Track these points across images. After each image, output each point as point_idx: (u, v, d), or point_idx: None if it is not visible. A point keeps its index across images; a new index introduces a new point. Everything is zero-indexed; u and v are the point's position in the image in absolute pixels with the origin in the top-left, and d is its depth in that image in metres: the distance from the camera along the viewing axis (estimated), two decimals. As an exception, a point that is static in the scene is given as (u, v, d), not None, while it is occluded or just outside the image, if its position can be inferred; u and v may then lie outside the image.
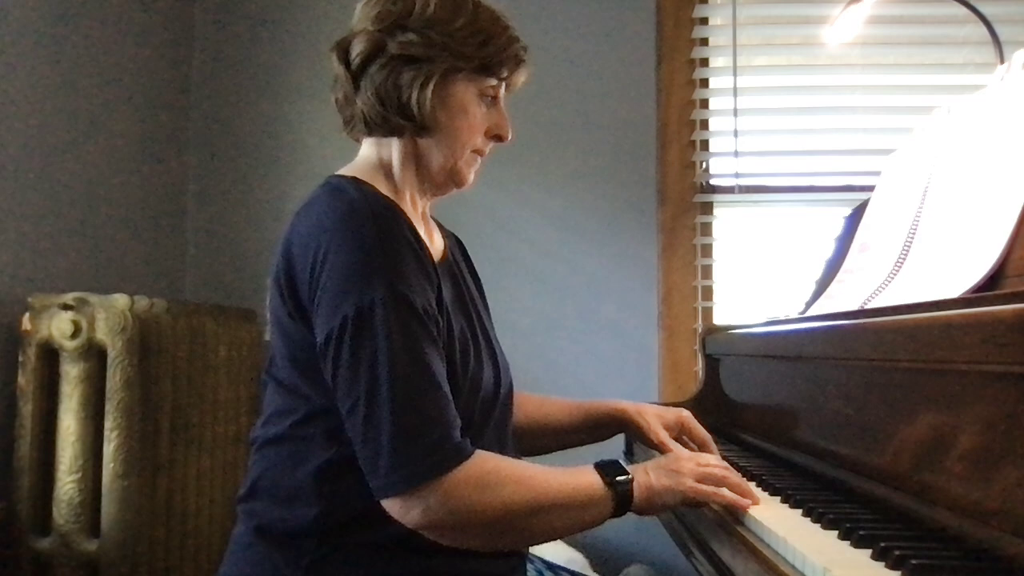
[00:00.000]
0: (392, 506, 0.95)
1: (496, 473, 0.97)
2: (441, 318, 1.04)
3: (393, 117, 1.09)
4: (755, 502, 0.99)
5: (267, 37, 2.58)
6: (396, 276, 0.98)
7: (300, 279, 1.01)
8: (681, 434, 1.33)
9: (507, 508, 0.96)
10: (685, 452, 1.12)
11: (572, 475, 1.02)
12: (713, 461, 1.06)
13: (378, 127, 1.12)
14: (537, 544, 1.02)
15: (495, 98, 1.15)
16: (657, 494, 1.01)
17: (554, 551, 1.92)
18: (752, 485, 1.11)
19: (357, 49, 1.10)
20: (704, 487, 1.01)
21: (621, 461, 1.05)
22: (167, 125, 2.49)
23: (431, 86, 1.08)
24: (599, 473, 1.01)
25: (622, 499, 1.00)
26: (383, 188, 1.10)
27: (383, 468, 0.94)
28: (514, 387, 1.22)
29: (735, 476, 1.03)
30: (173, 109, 2.52)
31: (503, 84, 1.15)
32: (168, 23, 2.50)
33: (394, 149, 1.14)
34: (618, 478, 1.01)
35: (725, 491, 1.00)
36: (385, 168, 1.14)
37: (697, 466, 1.04)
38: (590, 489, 1.00)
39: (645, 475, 1.02)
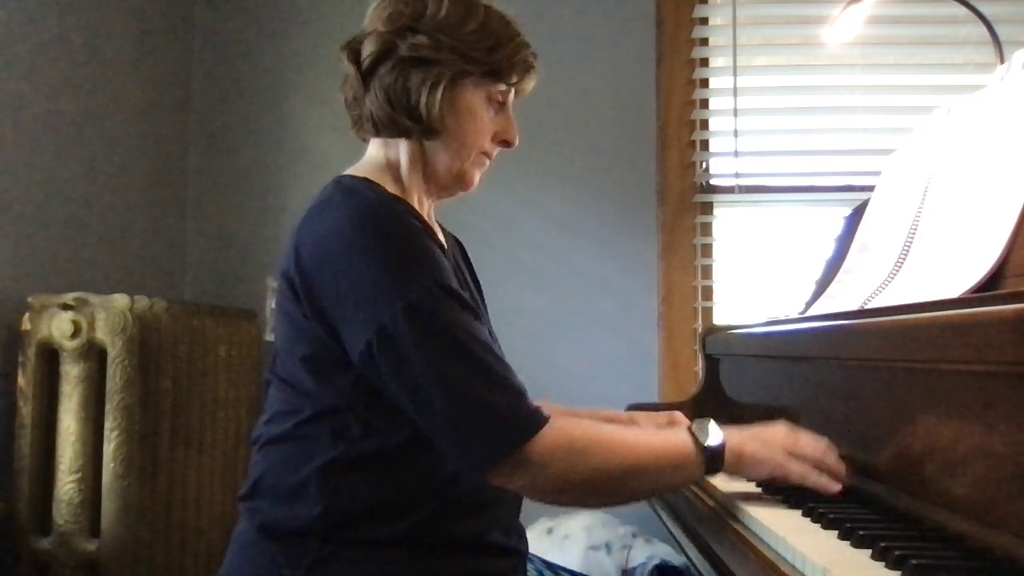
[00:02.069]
0: (495, 477, 0.98)
1: (587, 438, 0.99)
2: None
3: (401, 118, 1.10)
4: (839, 491, 1.00)
5: (267, 37, 2.58)
6: (434, 267, 1.00)
7: (319, 281, 1.01)
8: None
9: (600, 472, 0.98)
10: (784, 427, 1.10)
11: (664, 437, 1.04)
12: (811, 441, 1.05)
13: (386, 128, 1.12)
14: (629, 503, 1.07)
15: (503, 103, 1.16)
16: (747, 461, 1.03)
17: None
18: (751, 485, 1.11)
19: (368, 50, 1.11)
20: (792, 467, 1.01)
21: (714, 423, 1.05)
22: (167, 125, 2.49)
23: (440, 89, 1.08)
24: (691, 434, 1.02)
25: (712, 462, 1.01)
26: (391, 189, 1.11)
27: (476, 446, 0.96)
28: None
29: (830, 459, 1.03)
30: (173, 109, 2.52)
31: (512, 89, 1.16)
32: (168, 23, 2.50)
33: (401, 150, 1.14)
34: (709, 443, 1.01)
35: (813, 475, 1.00)
36: (392, 169, 1.15)
37: (794, 443, 1.04)
38: (682, 452, 1.01)
39: (739, 440, 1.03)
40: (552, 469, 0.97)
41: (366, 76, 1.11)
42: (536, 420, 0.97)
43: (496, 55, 1.11)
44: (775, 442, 1.04)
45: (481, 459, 0.97)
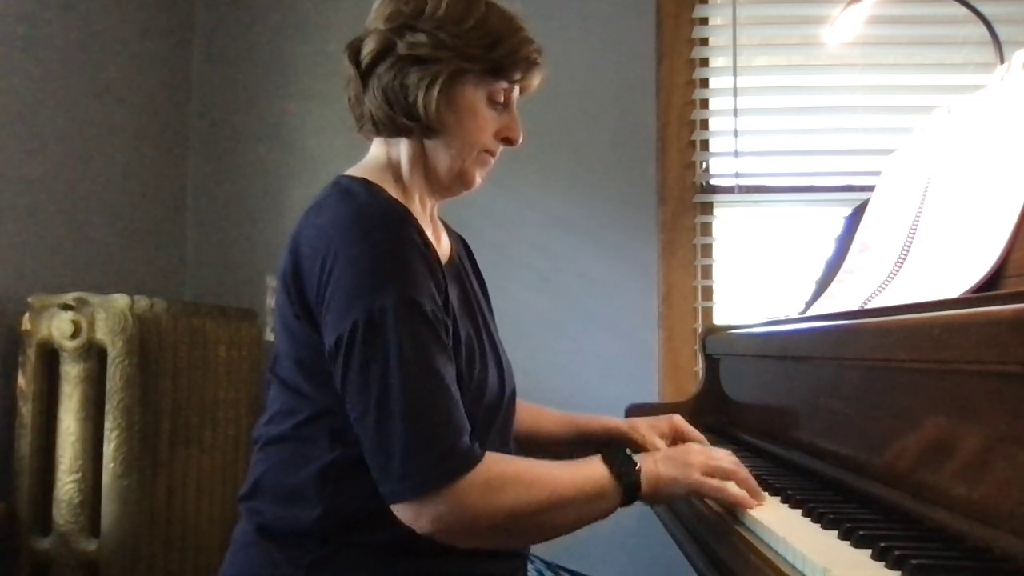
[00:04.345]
0: (402, 512, 0.96)
1: (502, 476, 0.97)
2: (448, 322, 1.04)
3: (399, 118, 1.09)
4: (759, 502, 0.99)
5: (267, 37, 2.58)
6: (407, 281, 0.98)
7: (308, 281, 1.01)
8: (676, 439, 1.33)
9: (515, 510, 0.96)
10: (696, 446, 1.11)
11: (580, 468, 1.02)
12: (724, 456, 1.05)
13: (386, 127, 1.11)
14: (549, 539, 1.03)
15: (507, 100, 1.14)
16: (664, 484, 1.01)
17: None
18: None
19: (367, 49, 1.10)
20: (710, 481, 1.00)
21: (628, 450, 1.05)
22: (167, 125, 2.49)
23: (437, 87, 1.07)
24: (606, 464, 1.01)
25: (629, 490, 1.00)
26: (392, 189, 1.10)
27: (394, 475, 0.94)
28: (515, 391, 1.22)
29: (743, 472, 1.02)
30: (173, 109, 2.52)
31: (515, 86, 1.14)
32: (168, 23, 2.50)
33: (402, 150, 1.14)
34: (624, 468, 1.00)
35: (731, 487, 0.99)
36: (394, 169, 1.14)
37: (707, 460, 1.03)
38: (598, 482, 1.00)
39: (653, 464, 1.02)
40: (463, 512, 0.94)
41: (365, 75, 1.11)
42: (461, 463, 0.94)
43: (496, 52, 1.09)
44: (689, 461, 1.03)
45: (395, 490, 0.94)
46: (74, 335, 1.79)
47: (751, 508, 0.97)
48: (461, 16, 1.08)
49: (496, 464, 0.98)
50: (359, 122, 1.15)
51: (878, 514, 0.91)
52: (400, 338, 0.95)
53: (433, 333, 0.99)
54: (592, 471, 1.01)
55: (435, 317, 1.00)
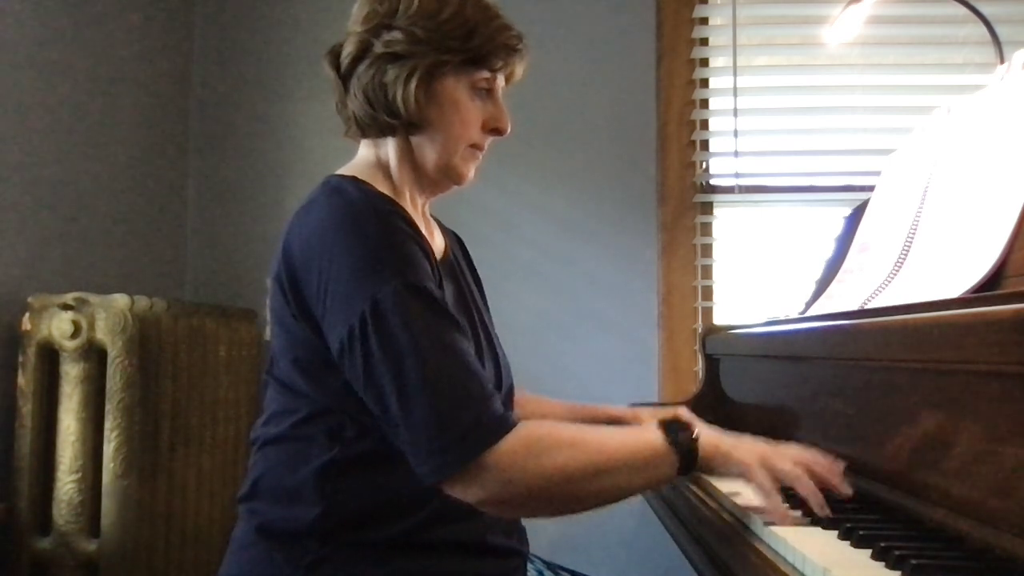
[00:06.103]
0: (450, 488, 0.94)
1: (548, 438, 0.95)
2: None
3: (381, 116, 1.09)
4: (824, 506, 0.92)
5: (267, 37, 2.58)
6: (406, 266, 0.98)
7: (305, 281, 1.01)
8: None
9: (565, 472, 0.94)
10: (770, 444, 1.01)
11: (632, 434, 1.00)
12: (805, 458, 0.96)
13: (370, 127, 1.12)
14: (604, 506, 0.99)
15: (491, 90, 1.14)
16: (721, 455, 0.97)
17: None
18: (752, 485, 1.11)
19: (346, 51, 1.11)
20: (761, 479, 0.94)
21: (691, 419, 1.02)
22: (167, 125, 2.49)
23: (414, 81, 1.07)
24: (662, 431, 0.98)
25: (686, 455, 0.96)
26: (382, 187, 1.10)
27: (428, 454, 0.92)
28: (514, 387, 1.22)
29: (806, 481, 0.93)
30: (173, 109, 2.52)
31: (498, 75, 1.14)
32: (168, 23, 2.50)
33: (390, 148, 1.14)
34: (680, 434, 0.97)
35: (773, 495, 0.93)
36: (383, 167, 1.14)
37: (771, 455, 0.96)
38: (652, 447, 0.97)
39: (712, 434, 0.99)
40: (512, 476, 0.92)
41: (345, 78, 1.11)
42: (495, 429, 0.92)
43: (473, 41, 1.09)
44: (751, 447, 0.98)
45: (435, 469, 0.92)
46: (74, 335, 1.79)
47: (782, 524, 0.89)
48: (436, 10, 1.08)
49: (541, 428, 0.97)
50: (346, 125, 1.15)
51: (878, 514, 0.91)
52: (409, 319, 0.94)
53: (441, 310, 0.98)
54: (646, 436, 0.98)
55: (439, 296, 0.99)
